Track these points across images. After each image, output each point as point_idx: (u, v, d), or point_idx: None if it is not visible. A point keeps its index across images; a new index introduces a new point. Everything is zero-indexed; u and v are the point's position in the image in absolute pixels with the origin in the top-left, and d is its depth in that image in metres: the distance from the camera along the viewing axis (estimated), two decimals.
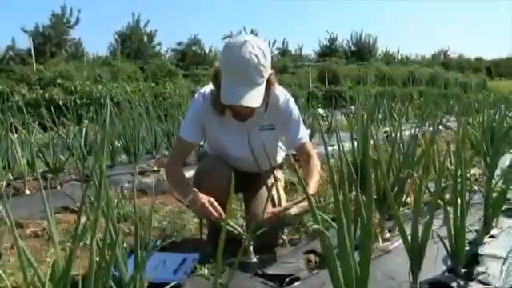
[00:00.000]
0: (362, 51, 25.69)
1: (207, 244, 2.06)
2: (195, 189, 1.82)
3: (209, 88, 1.93)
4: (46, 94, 6.84)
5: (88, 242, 2.03)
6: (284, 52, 23.28)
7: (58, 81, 8.02)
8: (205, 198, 1.76)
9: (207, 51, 19.81)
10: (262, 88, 1.76)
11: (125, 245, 2.08)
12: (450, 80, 21.16)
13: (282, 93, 1.97)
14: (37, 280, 1.00)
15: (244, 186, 2.11)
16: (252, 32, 23.29)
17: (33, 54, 10.48)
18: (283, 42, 24.08)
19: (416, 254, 1.31)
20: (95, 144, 2.92)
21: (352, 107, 7.09)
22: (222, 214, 1.72)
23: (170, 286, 1.46)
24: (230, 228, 1.72)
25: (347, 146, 4.58)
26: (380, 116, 5.65)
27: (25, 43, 15.72)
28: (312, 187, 1.86)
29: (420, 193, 1.28)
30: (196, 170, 2.06)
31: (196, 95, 1.98)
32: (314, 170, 1.95)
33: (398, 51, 27.10)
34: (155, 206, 2.75)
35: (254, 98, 1.72)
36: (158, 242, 2.05)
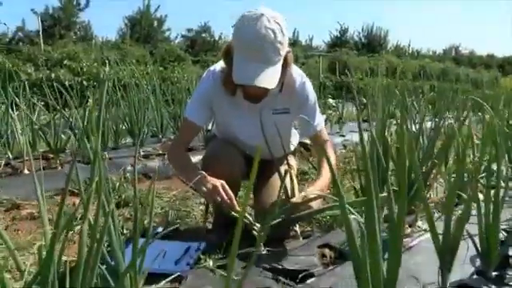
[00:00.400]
0: (372, 43, 25.38)
1: (212, 233, 1.93)
2: (203, 172, 1.69)
3: (219, 66, 1.78)
4: (53, 75, 6.74)
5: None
6: (294, 42, 23.02)
7: (65, 62, 7.91)
8: (217, 181, 1.62)
9: (217, 38, 19.63)
10: (279, 67, 1.60)
11: (125, 231, 1.99)
12: (461, 75, 20.82)
13: (298, 74, 1.81)
14: (15, 265, 0.87)
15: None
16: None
17: (41, 35, 10.37)
18: (294, 32, 23.82)
19: (448, 253, 1.16)
20: (94, 123, 2.80)
21: (364, 99, 6.92)
22: (233, 199, 1.59)
23: (171, 278, 1.34)
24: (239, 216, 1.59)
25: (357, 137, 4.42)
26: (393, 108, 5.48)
27: (34, 25, 15.59)
28: (326, 174, 1.73)
29: (456, 185, 1.13)
30: (204, 154, 1.92)
31: (205, 73, 1.82)
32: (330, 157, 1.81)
33: (409, 45, 26.70)
34: (158, 192, 2.63)
35: (269, 78, 1.56)
36: (160, 229, 1.92)
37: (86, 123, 3.10)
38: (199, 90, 1.83)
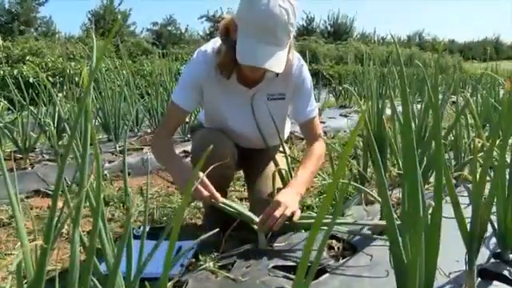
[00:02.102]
0: (338, 32, 25.59)
1: (204, 229, 1.78)
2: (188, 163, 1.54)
3: (210, 47, 1.61)
4: (15, 71, 6.40)
5: (63, 231, 1.77)
6: None
7: (28, 58, 7.54)
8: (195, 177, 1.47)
9: (183, 31, 19.40)
10: (286, 50, 1.47)
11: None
12: (427, 61, 21.15)
13: (296, 57, 1.66)
14: None
15: (246, 162, 1.84)
16: (228, 11, 22.93)
17: None
18: None
19: (476, 238, 1.06)
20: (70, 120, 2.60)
21: (340, 87, 6.90)
22: (214, 192, 1.46)
23: (173, 282, 1.20)
24: (229, 210, 1.47)
25: (338, 122, 4.35)
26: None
27: None
28: (303, 178, 1.60)
29: (486, 165, 1.03)
30: (193, 144, 1.76)
31: (195, 54, 1.64)
32: (313, 156, 1.68)
33: (375, 32, 27.05)
34: (140, 188, 2.47)
35: (279, 62, 1.42)
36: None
37: (58, 121, 2.89)
38: (189, 72, 1.65)
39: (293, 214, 1.45)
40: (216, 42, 1.60)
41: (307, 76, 1.70)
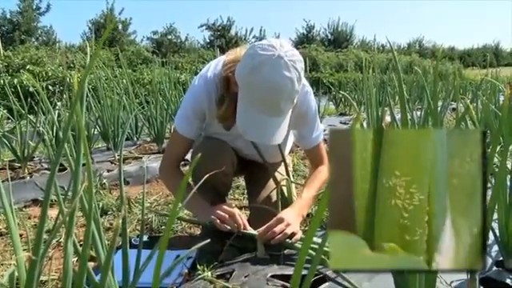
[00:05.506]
0: (338, 40, 25.71)
1: (202, 239, 1.76)
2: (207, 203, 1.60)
3: (211, 72, 1.56)
4: (15, 80, 6.41)
5: (59, 240, 1.75)
6: (261, 40, 23.04)
7: (28, 67, 7.55)
8: (229, 207, 1.53)
9: (183, 40, 19.50)
10: (289, 113, 1.43)
11: (106, 241, 1.81)
12: (427, 68, 21.19)
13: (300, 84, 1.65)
14: None
15: (247, 170, 1.83)
16: (229, 20, 23.06)
17: None
18: (260, 30, 23.88)
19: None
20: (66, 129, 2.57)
21: (340, 94, 6.91)
22: (247, 226, 1.51)
23: None
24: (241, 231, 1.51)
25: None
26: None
27: None
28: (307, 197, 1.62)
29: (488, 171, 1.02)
30: (193, 148, 1.74)
31: (196, 80, 1.59)
32: (319, 179, 1.68)
33: (375, 39, 27.12)
34: (138, 197, 2.45)
35: (281, 132, 1.41)
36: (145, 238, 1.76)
37: (57, 129, 2.88)
38: (191, 100, 1.60)
39: (293, 233, 1.47)
40: (217, 65, 1.56)
41: (312, 102, 1.65)
